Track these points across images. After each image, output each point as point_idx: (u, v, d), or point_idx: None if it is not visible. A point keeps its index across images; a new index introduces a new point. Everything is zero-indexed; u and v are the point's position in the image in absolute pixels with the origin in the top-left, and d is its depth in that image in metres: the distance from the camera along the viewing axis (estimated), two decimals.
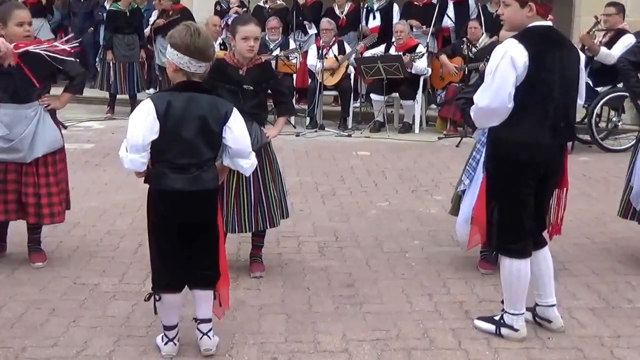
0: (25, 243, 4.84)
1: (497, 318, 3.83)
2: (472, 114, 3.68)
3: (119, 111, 10.55)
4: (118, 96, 10.75)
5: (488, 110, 3.56)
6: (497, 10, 7.79)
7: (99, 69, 10.85)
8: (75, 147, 8.17)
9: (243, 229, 4.52)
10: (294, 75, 10.28)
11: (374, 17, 11.27)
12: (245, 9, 11.26)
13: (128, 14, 10.56)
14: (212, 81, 3.91)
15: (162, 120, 3.30)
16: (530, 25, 3.55)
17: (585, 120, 8.57)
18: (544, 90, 3.53)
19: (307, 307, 4.17)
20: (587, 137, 8.76)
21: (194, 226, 3.44)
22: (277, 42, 10.40)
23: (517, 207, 3.64)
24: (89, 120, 10.15)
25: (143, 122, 3.30)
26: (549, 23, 3.63)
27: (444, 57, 10.00)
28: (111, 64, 10.48)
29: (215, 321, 3.65)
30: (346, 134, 9.70)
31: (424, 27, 10.73)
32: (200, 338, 3.56)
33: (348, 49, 10.28)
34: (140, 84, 10.65)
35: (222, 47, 9.75)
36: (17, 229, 4.88)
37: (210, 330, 3.57)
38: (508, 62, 3.46)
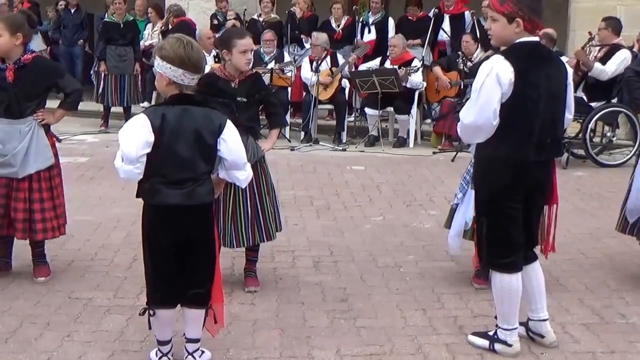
0: (20, 256, 4.84)
1: (491, 333, 3.83)
2: (458, 130, 3.70)
3: (113, 124, 10.55)
4: (112, 109, 10.76)
5: (473, 126, 3.58)
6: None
7: (94, 81, 10.87)
8: (69, 160, 8.16)
9: (241, 243, 4.52)
10: (289, 89, 10.30)
11: (369, 31, 11.29)
12: (239, 22, 11.28)
13: (122, 25, 10.60)
14: (203, 94, 3.91)
15: (157, 134, 3.28)
16: (517, 41, 3.57)
17: (580, 135, 8.59)
18: (529, 107, 3.54)
19: (301, 321, 4.17)
20: (582, 152, 8.79)
21: (189, 242, 3.43)
22: (272, 54, 10.44)
23: (505, 222, 3.65)
24: (83, 134, 10.15)
25: (137, 134, 3.27)
26: (536, 39, 3.64)
27: (437, 69, 10.02)
28: (103, 75, 10.51)
29: (210, 336, 3.64)
30: (341, 148, 9.72)
31: (419, 41, 10.77)
32: (186, 357, 3.54)
33: (342, 61, 10.30)
34: (131, 97, 10.66)
35: (216, 60, 9.77)
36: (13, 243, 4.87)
37: (196, 351, 3.55)
38: (494, 79, 3.47)
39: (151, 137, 3.28)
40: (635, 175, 4.76)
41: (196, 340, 3.55)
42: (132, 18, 11.00)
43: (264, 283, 4.71)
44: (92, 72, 11.02)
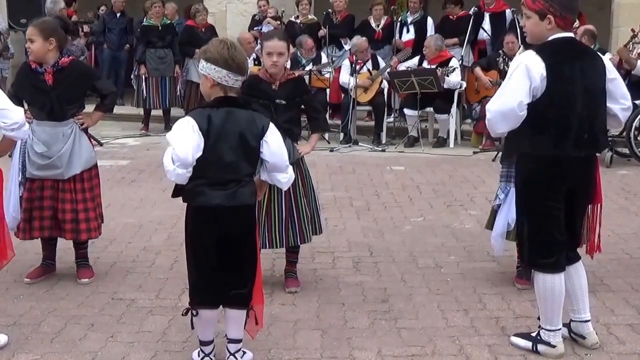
0: (64, 258, 4.92)
1: (533, 334, 3.79)
2: (486, 121, 3.67)
3: (153, 128, 10.68)
4: (152, 113, 10.88)
5: (498, 115, 3.56)
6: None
7: (134, 85, 10.98)
8: (111, 163, 8.28)
9: (274, 244, 4.53)
10: (328, 90, 10.31)
11: (408, 31, 11.23)
12: (278, 22, 11.31)
13: (160, 28, 10.71)
14: (245, 96, 3.93)
15: (205, 137, 3.32)
16: (550, 37, 3.55)
17: (624, 133, 8.46)
18: (564, 102, 3.51)
19: (342, 322, 4.17)
20: (626, 151, 8.67)
21: (231, 242, 3.44)
22: (310, 57, 10.46)
23: (546, 221, 3.61)
24: (124, 137, 10.26)
25: (190, 138, 3.29)
26: (571, 34, 3.61)
27: (478, 70, 9.95)
28: (144, 78, 10.61)
29: (250, 337, 3.66)
30: (380, 149, 9.69)
31: (456, 40, 10.71)
32: (227, 358, 3.56)
33: (382, 63, 10.28)
34: (172, 99, 10.76)
35: (255, 63, 9.84)
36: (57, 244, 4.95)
37: (238, 351, 3.57)
38: (523, 70, 3.47)
39: (202, 141, 3.31)
40: None
41: (238, 341, 3.57)
42: (169, 21, 11.10)
43: (305, 284, 4.72)
44: (132, 76, 11.14)
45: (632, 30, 8.88)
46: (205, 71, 3.39)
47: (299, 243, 4.61)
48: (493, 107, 3.59)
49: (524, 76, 3.48)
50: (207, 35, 10.35)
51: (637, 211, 6.54)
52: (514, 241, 4.42)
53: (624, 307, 4.35)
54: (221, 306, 3.55)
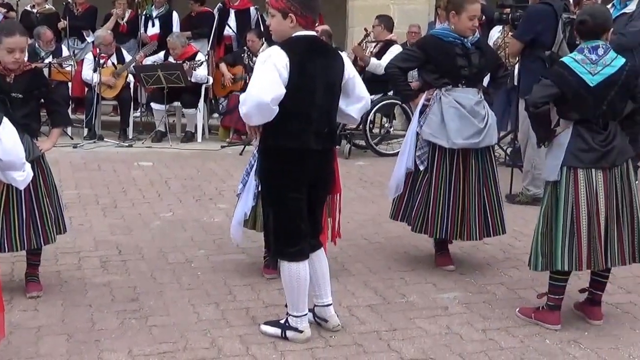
0: None
1: (282, 321, 3.92)
2: (242, 115, 3.72)
3: None
4: None
5: (253, 108, 3.59)
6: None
7: None
8: None
9: (14, 247, 4.27)
10: (70, 84, 9.89)
11: (153, 25, 11.11)
12: (12, 12, 10.61)
13: None
14: None
15: None
16: (294, 35, 3.70)
17: (360, 126, 9.00)
18: (307, 97, 3.68)
19: (89, 324, 4.03)
20: (362, 143, 9.23)
21: None
22: (50, 49, 9.96)
23: (289, 212, 3.76)
24: None
25: None
26: (313, 33, 3.77)
27: (223, 66, 10.11)
28: None
29: None
30: (127, 144, 9.47)
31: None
32: None
33: (128, 57, 10.06)
34: None
35: None
36: None
37: None
38: (270, 65, 3.58)
39: None
40: (398, 157, 5.08)
41: None
42: None
43: (48, 287, 4.50)
44: None
45: (365, 30, 9.53)
46: None
47: (42, 244, 4.39)
48: (247, 101, 3.62)
49: (272, 69, 3.57)
50: None
51: (373, 199, 6.99)
52: (252, 229, 4.62)
53: (363, 290, 4.64)
54: None
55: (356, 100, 3.97)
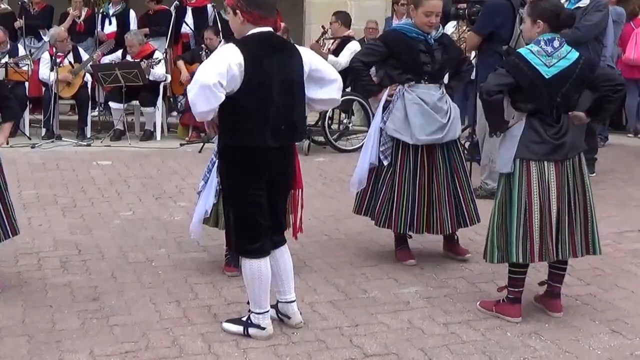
0: None
1: (244, 319, 3.93)
2: (189, 101, 3.67)
3: None
4: None
5: (199, 94, 3.55)
6: None
7: None
8: None
9: None
10: (26, 84, 9.77)
11: (110, 23, 11.04)
12: None
13: None
14: None
15: None
16: (250, 32, 3.70)
17: (319, 122, 9.04)
18: (262, 94, 3.67)
19: (50, 325, 4.00)
20: (322, 139, 9.26)
21: None
22: (5, 49, 9.82)
23: (249, 209, 3.77)
24: None
25: None
26: (269, 29, 3.75)
27: (181, 64, 10.07)
28: None
29: None
30: (85, 143, 9.39)
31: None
32: None
33: (85, 55, 9.96)
34: None
35: None
36: None
37: None
38: (222, 56, 3.58)
39: None
40: (362, 152, 5.12)
41: None
42: None
43: (7, 288, 4.46)
44: None
45: (323, 27, 9.57)
46: None
47: None
48: (192, 87, 3.59)
49: (222, 60, 3.56)
50: None
51: (333, 195, 7.03)
52: (214, 227, 4.64)
53: (325, 286, 4.67)
54: None
55: (329, 83, 3.93)
